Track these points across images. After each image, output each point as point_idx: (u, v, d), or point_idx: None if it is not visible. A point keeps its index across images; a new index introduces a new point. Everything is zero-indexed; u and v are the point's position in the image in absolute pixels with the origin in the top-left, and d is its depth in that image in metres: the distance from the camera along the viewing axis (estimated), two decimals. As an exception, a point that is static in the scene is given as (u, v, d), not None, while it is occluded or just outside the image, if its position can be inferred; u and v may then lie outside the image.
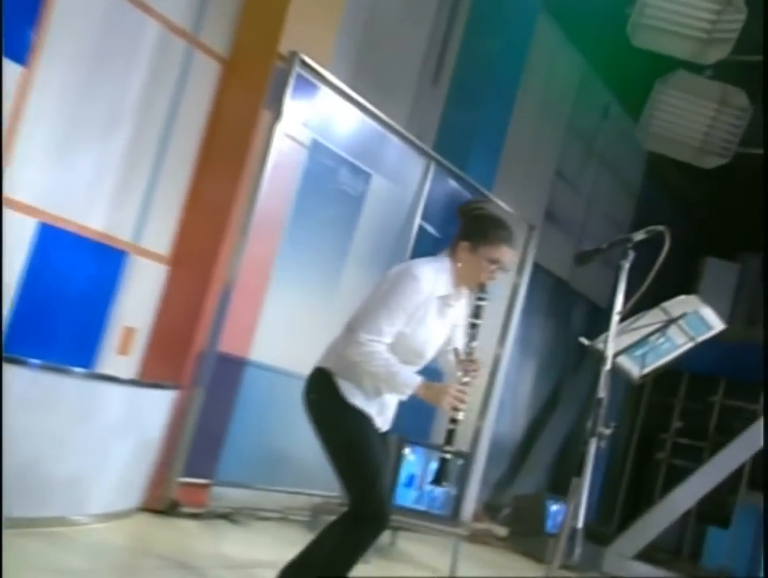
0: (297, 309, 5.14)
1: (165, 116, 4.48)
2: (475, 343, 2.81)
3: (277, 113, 4.63)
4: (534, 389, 8.50)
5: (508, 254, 2.89)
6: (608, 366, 2.69)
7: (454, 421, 2.74)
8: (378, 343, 2.74)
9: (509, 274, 7.02)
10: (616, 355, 4.11)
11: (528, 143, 7.33)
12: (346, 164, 5.38)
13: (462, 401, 2.73)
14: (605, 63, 7.68)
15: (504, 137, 6.65)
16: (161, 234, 4.58)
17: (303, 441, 5.03)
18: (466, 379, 2.76)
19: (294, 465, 5.24)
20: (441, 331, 2.90)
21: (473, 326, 2.83)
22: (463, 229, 2.92)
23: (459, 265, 2.87)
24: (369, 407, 2.80)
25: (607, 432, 2.67)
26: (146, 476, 4.30)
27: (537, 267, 7.26)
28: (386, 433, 2.91)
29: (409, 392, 2.76)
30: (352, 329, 2.80)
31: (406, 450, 5.12)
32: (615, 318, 2.73)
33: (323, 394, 2.79)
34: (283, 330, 5.05)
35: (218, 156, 4.63)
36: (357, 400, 2.78)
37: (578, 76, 7.91)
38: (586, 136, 8.37)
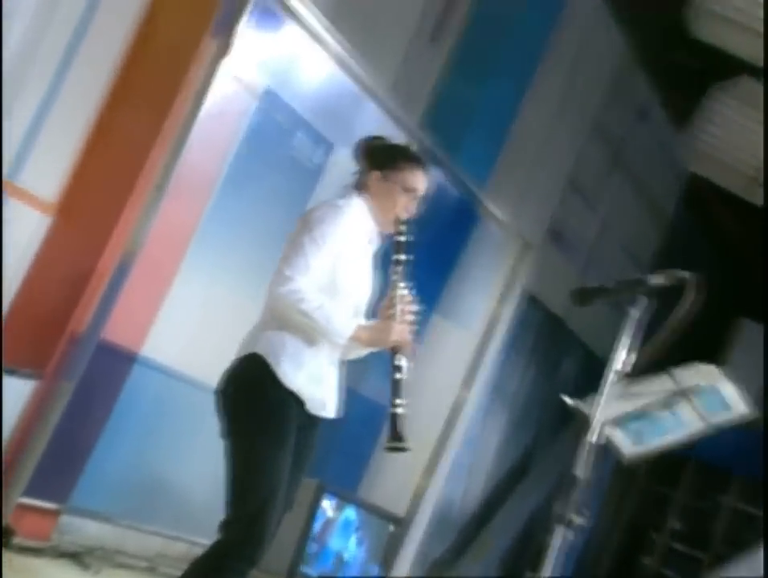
0: (214, 298, 5.11)
1: (78, 16, 4.35)
2: (403, 284, 3.23)
3: (225, 45, 4.59)
4: (500, 449, 8.46)
5: (422, 180, 3.34)
6: (593, 437, 2.74)
7: (397, 367, 3.13)
8: (307, 282, 3.06)
9: (489, 299, 7.03)
10: (606, 424, 4.16)
11: (539, 136, 7.32)
12: (305, 126, 5.37)
13: (410, 337, 3.16)
14: (651, 51, 7.73)
15: (511, 124, 6.68)
16: (47, 173, 4.48)
17: (193, 470, 5.11)
18: (406, 316, 3.19)
19: (176, 500, 5.19)
20: (368, 278, 3.30)
21: (398, 263, 3.24)
22: (368, 161, 3.37)
23: (371, 198, 3.30)
24: (309, 385, 3.11)
25: (579, 521, 2.69)
26: (-26, 488, 4.22)
27: (527, 296, 7.29)
28: (318, 422, 3.20)
29: (344, 338, 3.09)
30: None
31: (326, 502, 5.11)
32: (611, 377, 2.78)
33: (248, 383, 3.08)
34: (191, 322, 5.01)
35: (141, 85, 4.55)
36: (297, 379, 3.08)
37: (615, 63, 7.91)
38: (614, 141, 8.37)
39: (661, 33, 7.26)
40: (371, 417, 5.43)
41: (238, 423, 3.08)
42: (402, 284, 3.24)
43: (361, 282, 3.28)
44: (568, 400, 4.22)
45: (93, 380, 4.56)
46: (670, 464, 9.26)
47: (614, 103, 8.08)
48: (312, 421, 3.21)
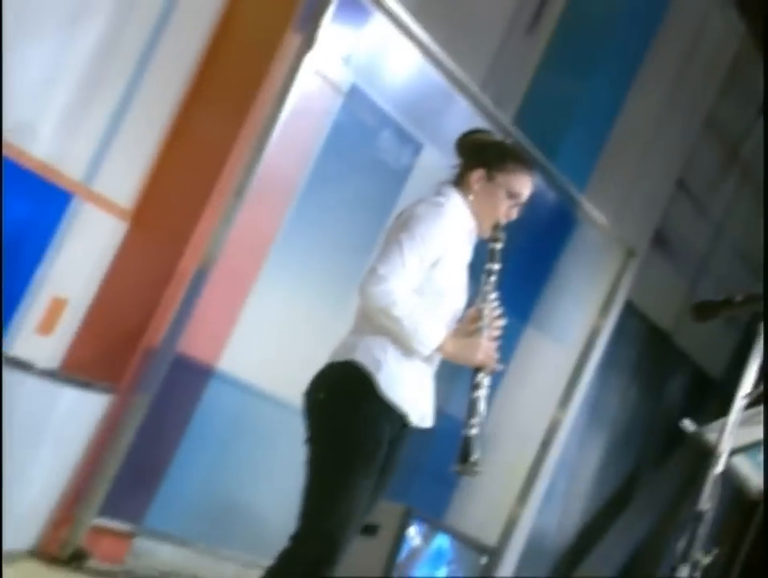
0: (294, 310, 5.17)
1: (156, 16, 4.46)
2: (494, 296, 3.25)
3: (309, 40, 4.64)
4: (599, 477, 8.42)
5: (529, 185, 3.31)
6: (720, 467, 2.72)
7: (477, 385, 3.18)
8: (402, 283, 3.07)
9: (588, 311, 7.01)
10: (732, 453, 4.08)
11: (645, 135, 7.27)
12: (392, 125, 5.42)
13: (492, 353, 3.19)
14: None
15: (614, 121, 6.67)
16: (123, 178, 4.58)
17: (271, 491, 5.20)
18: (494, 332, 3.22)
19: (253, 523, 5.25)
20: (465, 282, 3.31)
21: (490, 273, 3.24)
22: (472, 157, 3.32)
23: (472, 198, 3.27)
24: (412, 396, 3.15)
25: (706, 560, 2.69)
26: (47, 508, 4.29)
27: (629, 308, 7.26)
28: (408, 434, 3.25)
29: (429, 349, 3.11)
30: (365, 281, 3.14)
31: (412, 529, 5.12)
32: (740, 402, 2.76)
33: (344, 393, 3.11)
34: (270, 336, 5.07)
35: (219, 87, 4.64)
36: (401, 391, 3.11)
37: (733, 51, 7.80)
38: (730, 138, 8.29)
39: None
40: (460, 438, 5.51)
41: (326, 433, 3.12)
42: (492, 296, 3.25)
43: (460, 287, 3.30)
44: (689, 425, 4.11)
45: (168, 395, 4.64)
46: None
47: (730, 97, 7.97)
48: (402, 432, 3.23)
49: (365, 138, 5.30)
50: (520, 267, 5.76)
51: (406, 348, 3.13)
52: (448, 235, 3.20)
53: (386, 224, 5.47)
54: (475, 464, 3.13)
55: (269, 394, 5.04)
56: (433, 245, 3.15)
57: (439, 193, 3.34)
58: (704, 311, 2.88)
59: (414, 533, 5.19)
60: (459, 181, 3.34)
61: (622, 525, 8.52)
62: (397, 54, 5.28)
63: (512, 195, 3.27)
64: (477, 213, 3.28)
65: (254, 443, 5.08)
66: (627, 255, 7.11)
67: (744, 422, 3.79)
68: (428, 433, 3.33)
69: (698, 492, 2.71)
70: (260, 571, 5.27)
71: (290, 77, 4.62)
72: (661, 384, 8.74)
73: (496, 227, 3.27)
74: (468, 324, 3.24)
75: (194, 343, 4.71)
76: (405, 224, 3.18)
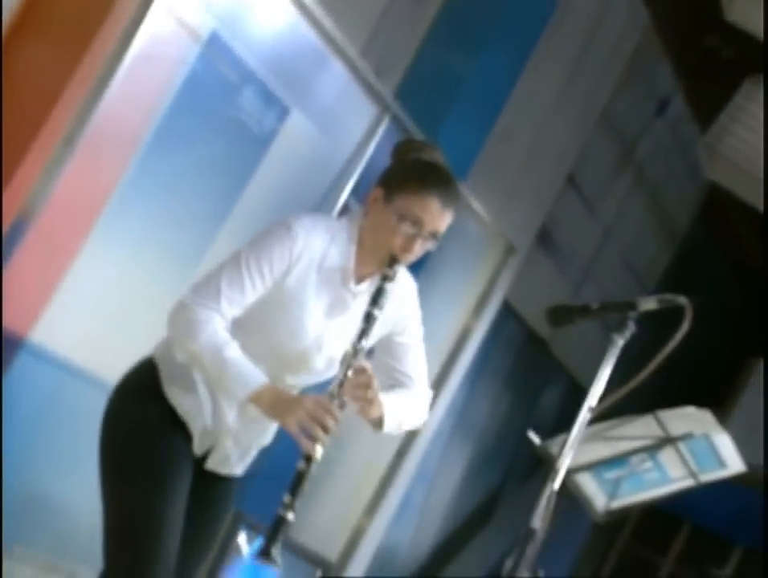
0: (128, 282, 5.01)
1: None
2: (364, 343, 2.86)
3: (162, -28, 4.53)
4: (461, 490, 8.40)
5: (436, 212, 2.86)
6: (556, 484, 2.75)
7: (307, 459, 2.74)
8: (208, 310, 2.77)
9: (460, 310, 6.96)
10: (574, 470, 4.15)
11: (536, 123, 7.31)
12: (256, 83, 5.27)
13: (324, 427, 2.72)
14: (678, 33, 7.74)
15: (503, 105, 6.65)
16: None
17: (84, 484, 4.92)
18: (342, 392, 2.80)
19: (60, 520, 5.08)
20: (332, 326, 2.93)
21: (368, 317, 2.86)
22: (383, 173, 2.98)
23: (367, 223, 2.93)
24: (195, 415, 2.86)
25: None
26: None
27: (506, 309, 7.27)
28: (221, 480, 2.97)
29: (242, 393, 2.75)
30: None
31: (241, 537, 5.00)
32: (585, 415, 2.83)
33: (129, 392, 2.91)
34: (96, 308, 4.90)
35: (53, 18, 4.43)
36: (184, 399, 2.86)
37: (634, 42, 7.87)
38: (625, 135, 8.37)
39: (692, 12, 7.25)
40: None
41: (106, 445, 2.89)
42: (363, 342, 2.87)
43: (309, 333, 2.92)
44: (534, 438, 4.24)
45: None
46: (659, 524, 9.18)
47: (629, 91, 8.06)
48: (213, 479, 2.98)
49: (224, 94, 5.14)
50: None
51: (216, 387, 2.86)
52: (293, 265, 2.86)
53: (242, 193, 5.51)
54: (276, 558, 2.73)
55: (89, 374, 4.86)
56: (263, 274, 2.83)
57: (332, 217, 3.14)
58: (558, 315, 2.92)
59: (243, 540, 5.10)
60: (365, 204, 3.02)
61: (479, 543, 8.61)
62: (267, 4, 5.14)
63: (405, 219, 2.85)
64: (368, 240, 2.93)
65: (67, 429, 4.87)
66: (507, 252, 7.11)
67: (590, 438, 3.88)
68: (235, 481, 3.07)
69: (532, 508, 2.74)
70: (62, 576, 5.23)
71: (139, 15, 4.43)
72: (536, 393, 8.86)
73: (391, 262, 2.88)
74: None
75: (2, 309, 4.48)
76: (243, 246, 2.89)
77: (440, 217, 2.87)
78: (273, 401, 2.75)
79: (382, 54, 5.98)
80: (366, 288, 2.95)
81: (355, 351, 2.83)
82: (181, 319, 2.80)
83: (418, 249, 2.89)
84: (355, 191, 5.90)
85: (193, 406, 2.89)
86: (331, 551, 6.47)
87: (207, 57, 4.95)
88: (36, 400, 4.83)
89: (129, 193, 4.86)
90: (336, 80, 5.63)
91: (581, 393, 9.73)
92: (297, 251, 2.85)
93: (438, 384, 6.82)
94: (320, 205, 5.84)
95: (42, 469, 4.94)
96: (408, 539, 7.94)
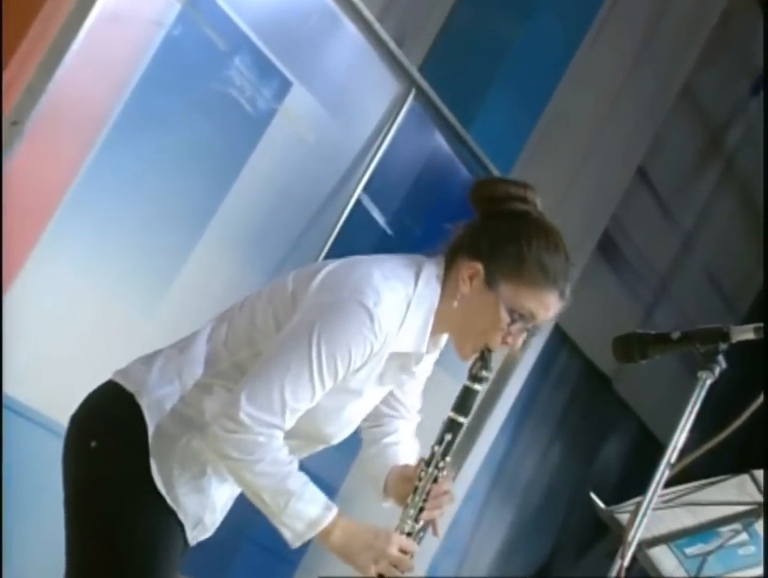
0: (83, 292, 5.09)
1: None
2: (448, 459, 2.92)
3: None
4: (500, 561, 8.36)
5: (551, 308, 2.88)
6: (626, 560, 2.73)
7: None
8: (269, 430, 2.75)
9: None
10: (649, 543, 4.32)
11: (599, 102, 7.35)
12: (250, 51, 5.37)
13: (405, 565, 2.85)
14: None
15: (557, 83, 6.76)
16: None
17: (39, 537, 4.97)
18: (423, 516, 2.91)
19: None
20: (373, 400, 3.02)
21: (452, 426, 2.89)
22: (479, 237, 2.86)
23: (456, 303, 2.85)
24: (193, 507, 2.90)
25: None
26: None
27: (559, 336, 7.37)
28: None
29: (308, 532, 2.80)
30: (232, 362, 2.89)
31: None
32: (663, 473, 2.77)
33: (119, 451, 2.85)
34: (39, 317, 5.00)
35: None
36: (181, 489, 2.86)
37: (726, 0, 7.97)
38: (713, 120, 8.37)
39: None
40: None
41: (89, 511, 2.89)
42: (446, 459, 2.96)
43: (353, 419, 3.04)
44: (599, 502, 4.28)
45: None
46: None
47: (716, 65, 8.09)
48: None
49: (210, 65, 5.21)
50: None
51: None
52: (366, 361, 2.86)
53: (232, 186, 5.58)
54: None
55: (23, 405, 4.92)
56: (336, 377, 2.83)
57: (403, 265, 2.89)
58: (629, 347, 2.86)
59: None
60: (449, 261, 2.91)
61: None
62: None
63: (515, 312, 2.86)
64: (456, 325, 2.92)
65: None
66: (562, 266, 7.06)
67: (670, 503, 3.84)
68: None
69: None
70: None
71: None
72: (594, 443, 8.82)
73: (481, 358, 2.89)
74: (400, 489, 3.03)
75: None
76: (306, 327, 2.80)
77: (555, 310, 2.91)
78: (348, 542, 2.84)
79: (406, 16, 6.04)
80: (424, 362, 2.98)
81: (436, 478, 2.92)
82: (236, 440, 2.76)
83: (520, 344, 2.91)
84: (370, 186, 5.94)
85: (199, 509, 2.92)
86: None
87: (189, 17, 5.01)
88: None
89: (93, 184, 4.95)
90: (348, 48, 5.73)
91: (653, 443, 9.80)
92: (378, 347, 2.81)
93: (472, 431, 6.91)
94: (327, 203, 5.89)
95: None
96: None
